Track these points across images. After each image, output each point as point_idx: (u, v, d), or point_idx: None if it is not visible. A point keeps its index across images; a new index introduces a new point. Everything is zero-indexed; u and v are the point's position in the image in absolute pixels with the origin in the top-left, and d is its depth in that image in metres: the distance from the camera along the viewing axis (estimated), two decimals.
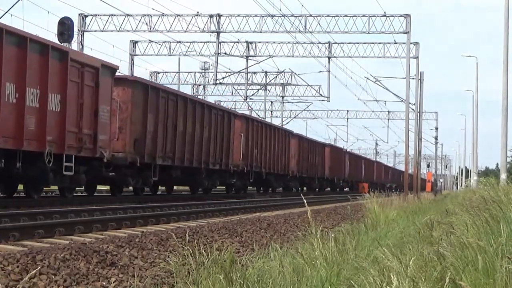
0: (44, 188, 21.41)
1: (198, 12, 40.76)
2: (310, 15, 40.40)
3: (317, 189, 53.06)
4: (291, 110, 66.20)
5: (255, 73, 54.24)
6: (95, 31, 40.57)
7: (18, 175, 17.93)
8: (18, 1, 27.45)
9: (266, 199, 31.14)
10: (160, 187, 32.26)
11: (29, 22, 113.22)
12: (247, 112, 53.66)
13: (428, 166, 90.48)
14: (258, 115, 57.22)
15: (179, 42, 44.97)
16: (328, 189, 59.71)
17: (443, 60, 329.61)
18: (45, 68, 18.02)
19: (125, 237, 10.72)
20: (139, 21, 40.57)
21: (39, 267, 7.43)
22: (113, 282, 7.67)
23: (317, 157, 52.42)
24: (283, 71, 54.79)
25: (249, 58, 46.15)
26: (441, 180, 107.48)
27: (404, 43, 40.91)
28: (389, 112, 73.64)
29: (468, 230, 6.95)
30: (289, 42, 45.07)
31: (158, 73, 55.26)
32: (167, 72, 55.85)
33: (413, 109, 42.95)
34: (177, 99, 26.70)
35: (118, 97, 22.74)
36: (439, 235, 7.73)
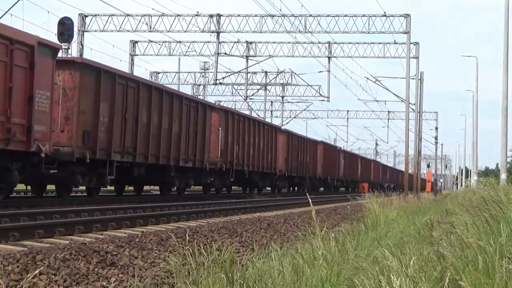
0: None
1: (198, 12, 40.80)
2: (310, 15, 40.41)
3: (308, 190, 47.43)
4: (291, 110, 66.29)
5: (255, 73, 54.29)
6: (95, 31, 40.59)
7: None
8: (18, 1, 27.48)
9: (266, 199, 31.13)
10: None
11: (29, 22, 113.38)
12: (247, 112, 53.67)
13: (428, 166, 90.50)
14: (258, 115, 57.23)
15: (179, 42, 44.99)
16: (322, 189, 57.64)
17: (443, 60, 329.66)
18: None
19: (125, 237, 10.72)
20: (139, 21, 40.61)
21: (39, 267, 7.43)
22: (113, 282, 7.67)
23: (308, 155, 49.36)
24: (283, 71, 54.83)
25: (249, 58, 46.17)
26: (441, 180, 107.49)
27: (404, 43, 40.94)
28: (389, 112, 73.72)
29: (468, 230, 6.95)
30: (289, 42, 45.12)
31: (158, 73, 55.29)
32: (167, 72, 55.91)
33: (413, 109, 42.95)
34: (138, 87, 23.35)
35: (64, 82, 19.67)
36: (439, 235, 7.73)
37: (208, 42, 45.12)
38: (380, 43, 43.93)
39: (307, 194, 10.68)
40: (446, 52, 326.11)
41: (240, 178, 34.51)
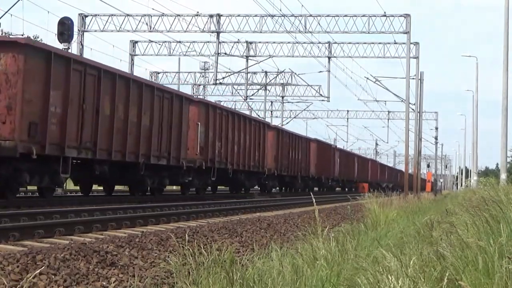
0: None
1: (198, 12, 40.81)
2: (310, 15, 40.42)
3: (300, 190, 47.48)
4: (291, 110, 66.30)
5: (255, 73, 54.30)
6: (95, 31, 40.59)
7: None
8: (18, 1, 27.50)
9: (266, 199, 31.13)
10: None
11: (29, 22, 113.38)
12: (247, 112, 53.66)
13: (428, 166, 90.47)
14: (258, 115, 57.23)
15: (179, 42, 45.00)
16: (317, 189, 54.80)
17: (443, 60, 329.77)
18: None
19: (125, 237, 10.72)
20: (139, 21, 40.61)
21: (39, 267, 7.43)
22: (113, 282, 7.68)
23: (300, 153, 46.61)
24: (283, 71, 54.84)
25: (249, 58, 46.17)
26: (441, 180, 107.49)
27: (404, 43, 40.96)
28: (389, 112, 73.73)
29: (468, 230, 6.95)
30: (289, 42, 45.13)
31: (158, 73, 55.31)
32: (167, 72, 55.94)
33: (413, 109, 42.95)
34: (99, 74, 20.50)
35: (5, 67, 17.39)
36: (439, 235, 7.73)
37: (208, 42, 45.16)
38: (380, 43, 43.97)
39: (311, 193, 10.63)
40: (446, 52, 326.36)
41: (223, 178, 31.98)
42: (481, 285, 5.30)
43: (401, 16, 39.90)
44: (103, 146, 21.03)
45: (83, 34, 40.13)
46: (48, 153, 18.32)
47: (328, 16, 40.69)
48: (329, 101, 48.72)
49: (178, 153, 26.31)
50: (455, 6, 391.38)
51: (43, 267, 7.52)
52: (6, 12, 27.77)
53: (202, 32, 41.18)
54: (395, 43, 42.55)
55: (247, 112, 53.48)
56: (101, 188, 26.61)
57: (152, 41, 44.86)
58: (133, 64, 44.64)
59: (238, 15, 40.94)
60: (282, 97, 59.40)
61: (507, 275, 5.16)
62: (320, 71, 46.77)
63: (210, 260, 6.02)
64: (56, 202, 18.54)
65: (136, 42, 44.88)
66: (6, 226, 10.83)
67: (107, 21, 40.40)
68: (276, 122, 59.95)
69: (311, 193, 10.57)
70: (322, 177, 53.25)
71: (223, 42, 43.48)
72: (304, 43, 44.10)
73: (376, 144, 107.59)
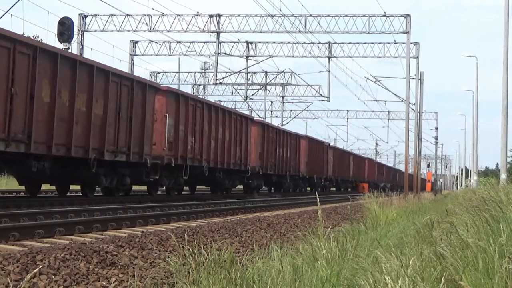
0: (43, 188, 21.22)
1: (198, 12, 40.81)
2: (310, 15, 40.43)
3: (290, 190, 44.62)
4: (291, 110, 66.31)
5: (255, 73, 54.32)
6: (95, 31, 40.60)
7: None
8: (18, 1, 27.48)
9: (266, 199, 31.13)
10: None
11: (29, 22, 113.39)
12: (247, 112, 53.63)
13: (428, 166, 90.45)
14: (258, 115, 57.26)
15: (179, 42, 45.01)
16: (309, 189, 51.44)
17: (443, 60, 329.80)
18: None
19: (125, 237, 10.72)
20: (139, 21, 40.62)
21: (39, 267, 7.43)
22: (113, 282, 7.68)
23: (289, 150, 43.23)
24: (283, 71, 54.86)
25: (249, 58, 46.18)
26: (441, 180, 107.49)
27: (404, 43, 40.96)
28: (389, 112, 73.77)
29: (468, 230, 6.95)
30: (289, 42, 45.15)
31: (158, 73, 55.34)
32: (167, 72, 55.99)
33: (413, 109, 42.95)
34: (35, 54, 17.51)
35: None
36: (439, 235, 7.73)
37: (208, 42, 45.20)
38: (380, 43, 43.99)
39: (316, 193, 10.61)
40: (446, 52, 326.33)
41: (198, 176, 29.09)
42: (481, 285, 5.30)
43: (401, 16, 39.90)
44: (40, 139, 17.97)
45: (83, 34, 40.13)
46: None
47: (328, 16, 40.71)
48: (329, 101, 48.77)
49: (140, 148, 23.22)
50: (455, 6, 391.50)
51: (43, 267, 7.52)
52: (6, 12, 27.77)
53: (202, 32, 41.21)
54: (395, 43, 42.59)
55: (247, 112, 53.49)
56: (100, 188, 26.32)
57: (152, 41, 44.89)
58: (133, 64, 44.65)
59: (238, 15, 40.97)
60: (282, 97, 59.43)
61: (507, 275, 5.16)
62: (320, 71, 46.87)
63: (210, 260, 6.02)
64: (56, 202, 18.54)
65: (136, 42, 44.90)
66: (6, 226, 10.82)
67: (107, 21, 40.43)
68: (276, 122, 60.03)
69: (316, 193, 10.53)
70: (314, 176, 50.04)
71: (223, 42, 43.52)
72: (304, 43, 44.14)
73: (376, 144, 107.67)
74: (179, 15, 40.75)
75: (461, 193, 33.17)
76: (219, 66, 44.13)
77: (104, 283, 7.62)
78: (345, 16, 40.58)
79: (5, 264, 7.51)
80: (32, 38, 35.26)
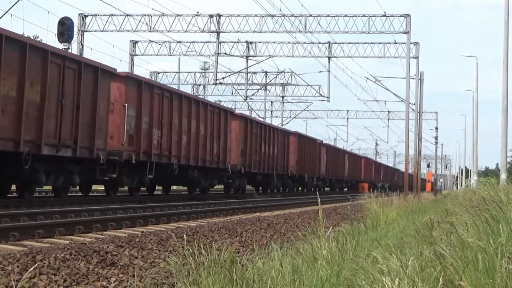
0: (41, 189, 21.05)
1: (198, 12, 40.82)
2: (310, 15, 40.43)
3: (278, 190, 42.41)
4: (291, 110, 66.33)
5: (255, 73, 54.33)
6: (95, 31, 40.59)
7: None
8: (18, 1, 27.49)
9: (266, 199, 31.14)
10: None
11: (29, 22, 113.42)
12: (247, 113, 53.58)
13: (428, 166, 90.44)
14: (258, 115, 57.25)
15: (179, 42, 45.00)
16: (300, 189, 49.54)
17: (443, 60, 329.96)
18: None
19: (125, 237, 10.73)
20: (139, 21, 40.62)
21: (38, 267, 7.43)
22: (113, 282, 7.68)
23: (276, 147, 40.17)
24: (283, 71, 54.87)
25: (249, 58, 46.18)
26: (441, 180, 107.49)
27: (404, 43, 40.96)
28: (389, 112, 73.78)
29: (468, 230, 6.95)
30: (289, 42, 45.15)
31: (158, 73, 55.35)
32: (167, 72, 56.02)
33: (413, 109, 42.95)
34: None
35: None
36: (439, 235, 7.73)
37: (208, 42, 45.20)
38: (380, 43, 43.99)
39: (317, 193, 10.58)
40: (446, 52, 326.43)
41: (168, 175, 26.35)
42: (481, 285, 5.30)
43: (401, 16, 39.90)
44: None
45: (83, 34, 40.13)
46: None
47: (328, 16, 40.71)
48: (329, 101, 48.77)
49: (91, 142, 20.14)
50: (455, 6, 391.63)
51: (43, 267, 7.52)
52: (6, 12, 27.79)
53: (202, 32, 41.21)
54: (395, 43, 42.59)
55: (247, 113, 53.48)
56: (102, 188, 25.92)
57: (152, 41, 44.89)
58: (133, 64, 44.66)
59: (238, 15, 40.96)
60: (282, 97, 59.44)
61: (507, 275, 5.16)
62: (320, 71, 46.87)
63: (210, 260, 6.02)
64: (56, 202, 18.55)
65: (136, 42, 44.90)
66: (6, 226, 10.83)
67: (107, 21, 40.42)
68: (276, 122, 60.03)
69: (317, 194, 10.47)
70: (305, 175, 46.98)
71: (223, 42, 43.52)
72: (304, 43, 44.15)
73: (376, 144, 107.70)
74: (179, 15, 40.75)
75: (461, 193, 33.18)
76: (219, 66, 44.16)
77: (104, 283, 7.62)
78: (345, 16, 40.60)
79: (5, 264, 7.51)
80: (32, 38, 35.27)
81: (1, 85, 16.43)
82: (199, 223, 15.43)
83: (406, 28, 39.60)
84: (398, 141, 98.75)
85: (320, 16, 40.76)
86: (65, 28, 26.19)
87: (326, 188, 58.27)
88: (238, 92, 56.47)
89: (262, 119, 42.98)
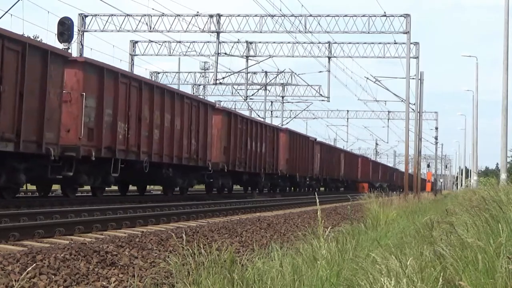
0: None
1: (198, 12, 40.80)
2: (310, 15, 40.43)
3: (267, 190, 40.50)
4: (291, 110, 66.30)
5: (255, 73, 54.32)
6: (95, 31, 40.58)
7: None
8: (18, 1, 27.49)
9: (266, 199, 31.15)
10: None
11: (29, 22, 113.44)
12: (247, 113, 53.50)
13: (428, 166, 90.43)
14: (258, 115, 57.24)
15: (179, 42, 45.00)
16: (293, 189, 47.77)
17: (443, 60, 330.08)
18: None
19: (125, 237, 10.73)
20: (139, 21, 40.61)
21: (38, 267, 7.43)
22: (113, 282, 7.68)
23: (264, 145, 37.53)
24: (283, 71, 54.85)
25: (249, 58, 46.17)
26: (441, 180, 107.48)
27: (404, 43, 40.95)
28: (389, 112, 73.75)
29: (468, 230, 6.95)
30: (289, 42, 45.14)
31: (158, 73, 55.33)
32: (167, 72, 56.00)
33: (413, 109, 42.95)
34: None
35: None
36: (439, 235, 7.73)
37: (208, 42, 45.19)
38: (380, 43, 43.97)
39: (315, 194, 10.59)
40: (446, 52, 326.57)
41: (137, 173, 24.06)
42: (481, 285, 5.30)
43: (401, 16, 39.89)
44: None
45: (83, 34, 40.12)
46: None
47: (328, 16, 40.70)
48: (329, 101, 48.73)
49: (39, 135, 17.60)
50: (455, 6, 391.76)
51: (43, 267, 7.52)
52: (6, 12, 27.78)
53: (202, 32, 41.20)
54: (395, 43, 42.58)
55: (247, 113, 53.45)
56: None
57: (152, 41, 44.89)
58: (133, 64, 44.66)
59: (238, 15, 40.95)
60: (282, 97, 59.42)
61: (507, 275, 5.16)
62: (320, 71, 46.84)
63: (210, 260, 6.02)
64: (56, 202, 18.56)
65: (136, 42, 44.90)
66: (6, 226, 10.83)
67: (107, 21, 40.41)
68: (276, 122, 60.00)
69: (315, 194, 10.49)
70: (297, 175, 44.80)
71: (223, 42, 43.51)
72: (304, 43, 44.14)
73: (376, 144, 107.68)
74: (179, 15, 40.74)
75: (461, 193, 33.19)
76: (219, 66, 44.15)
77: (104, 283, 7.62)
78: (345, 16, 40.58)
79: (5, 264, 7.52)
80: (32, 38, 35.24)
81: None
82: (199, 223, 15.43)
83: (406, 28, 39.59)
84: (398, 141, 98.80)
85: (320, 16, 40.76)
86: (65, 28, 26.16)
87: (321, 188, 56.12)
88: (238, 92, 56.47)
89: (247, 115, 40.29)
